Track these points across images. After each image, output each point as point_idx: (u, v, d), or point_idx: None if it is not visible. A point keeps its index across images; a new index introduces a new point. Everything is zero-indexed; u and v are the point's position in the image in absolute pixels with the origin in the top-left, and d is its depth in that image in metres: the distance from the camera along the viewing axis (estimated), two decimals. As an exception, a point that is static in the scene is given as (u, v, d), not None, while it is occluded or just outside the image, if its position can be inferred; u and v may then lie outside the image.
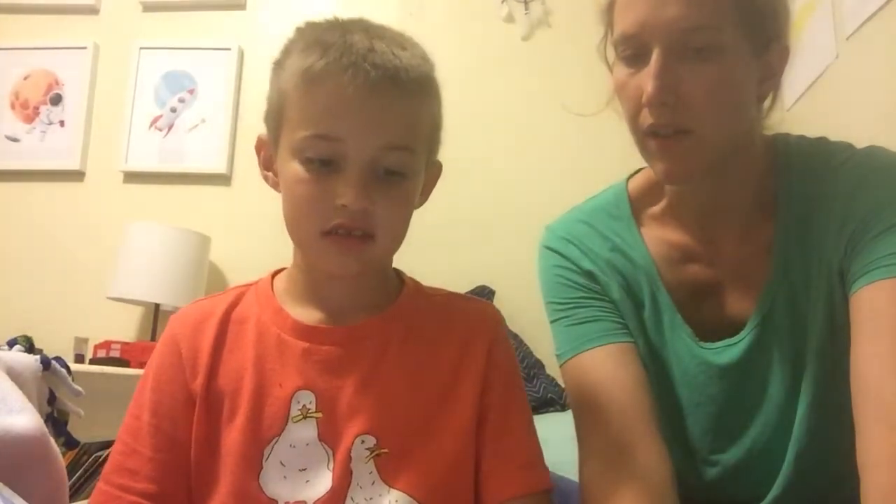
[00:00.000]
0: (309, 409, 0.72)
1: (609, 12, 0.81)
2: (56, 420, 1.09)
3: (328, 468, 0.71)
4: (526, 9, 2.57)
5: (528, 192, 2.43)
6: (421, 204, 0.79)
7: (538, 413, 1.86)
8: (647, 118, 0.77)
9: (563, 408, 1.89)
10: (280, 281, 0.80)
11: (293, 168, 0.71)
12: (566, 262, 0.90)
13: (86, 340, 2.35)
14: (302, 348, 0.74)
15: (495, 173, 2.50)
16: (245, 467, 0.71)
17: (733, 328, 0.85)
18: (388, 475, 0.71)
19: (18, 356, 1.05)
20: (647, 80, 0.75)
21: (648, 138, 0.79)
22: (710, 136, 0.77)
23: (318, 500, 0.69)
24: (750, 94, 0.79)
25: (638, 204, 0.91)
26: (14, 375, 0.93)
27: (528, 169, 2.49)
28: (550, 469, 0.81)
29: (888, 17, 1.37)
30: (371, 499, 0.70)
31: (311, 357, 0.74)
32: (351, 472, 0.70)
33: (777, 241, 0.83)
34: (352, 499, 0.70)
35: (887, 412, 0.66)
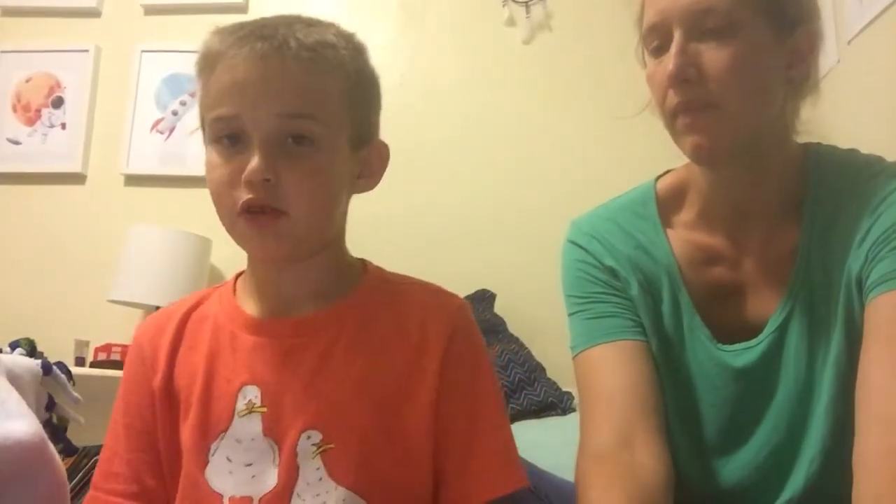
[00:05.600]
0: (254, 404, 0.71)
1: (641, 19, 0.85)
2: (55, 426, 1.09)
3: (274, 464, 0.70)
4: (527, 12, 2.56)
5: (528, 196, 2.43)
6: (369, 188, 0.78)
7: (539, 417, 1.85)
8: (672, 98, 0.80)
9: (564, 412, 1.88)
10: (241, 279, 0.81)
11: (210, 156, 0.72)
12: (588, 257, 0.92)
13: (87, 343, 2.35)
14: (252, 343, 0.74)
15: (496, 177, 2.49)
16: (193, 462, 0.71)
17: (752, 331, 0.86)
18: (336, 472, 0.69)
19: (19, 359, 1.05)
20: (668, 61, 0.79)
21: (676, 117, 0.81)
22: (736, 112, 0.79)
23: (264, 496, 0.69)
24: (775, 76, 0.81)
25: (665, 204, 0.92)
26: (13, 378, 0.93)
27: (529, 173, 2.48)
28: (549, 472, 0.80)
29: (889, 21, 1.37)
30: (318, 495, 0.69)
31: (259, 352, 0.73)
32: (297, 468, 0.69)
33: (801, 247, 0.83)
34: (298, 495, 0.69)
35: (887, 413, 0.67)
